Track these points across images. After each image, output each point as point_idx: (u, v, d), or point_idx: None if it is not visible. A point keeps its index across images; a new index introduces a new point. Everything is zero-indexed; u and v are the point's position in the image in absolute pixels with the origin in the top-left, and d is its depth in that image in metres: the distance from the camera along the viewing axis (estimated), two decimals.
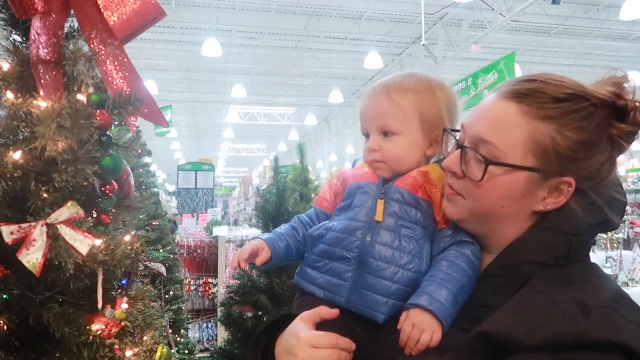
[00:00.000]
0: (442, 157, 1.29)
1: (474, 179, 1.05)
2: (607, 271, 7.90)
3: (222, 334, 5.71)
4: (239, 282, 3.80)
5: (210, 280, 7.59)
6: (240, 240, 5.79)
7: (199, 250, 7.75)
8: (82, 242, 0.87)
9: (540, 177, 1.02)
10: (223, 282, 6.60)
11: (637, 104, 0.99)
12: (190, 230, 8.93)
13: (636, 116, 0.99)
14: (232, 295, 3.84)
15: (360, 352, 1.15)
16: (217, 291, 7.35)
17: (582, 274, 1.00)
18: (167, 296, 4.44)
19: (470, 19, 11.24)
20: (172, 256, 5.14)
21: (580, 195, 1.03)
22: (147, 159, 5.63)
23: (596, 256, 8.64)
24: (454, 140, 1.17)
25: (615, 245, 9.08)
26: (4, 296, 0.95)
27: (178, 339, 4.30)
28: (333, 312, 1.16)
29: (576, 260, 1.02)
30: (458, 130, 1.17)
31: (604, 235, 9.57)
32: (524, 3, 9.46)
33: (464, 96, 9.75)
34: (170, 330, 1.12)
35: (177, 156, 24.58)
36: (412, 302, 1.08)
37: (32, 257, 0.82)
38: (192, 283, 7.59)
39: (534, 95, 1.02)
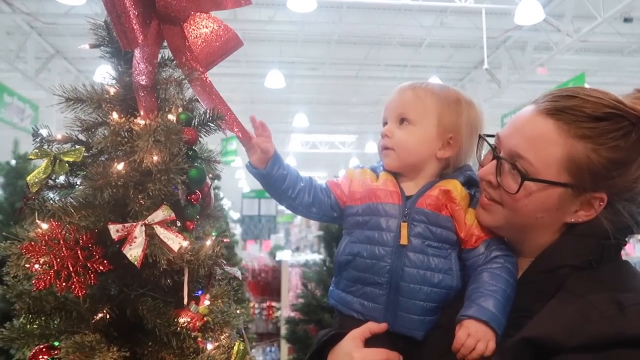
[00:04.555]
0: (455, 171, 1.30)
1: (509, 191, 1.08)
2: None
3: (285, 358, 5.76)
4: (303, 301, 3.89)
5: (273, 304, 7.71)
6: (303, 263, 5.88)
7: (262, 274, 7.92)
8: (174, 241, 0.99)
9: (574, 193, 1.04)
10: (286, 307, 6.70)
11: None
12: (254, 256, 9.17)
13: None
14: (297, 313, 3.92)
15: None
16: (280, 315, 7.45)
17: (615, 274, 1.02)
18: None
19: (536, 41, 10.93)
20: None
21: (609, 204, 1.04)
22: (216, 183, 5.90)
23: None
24: (488, 147, 1.18)
25: None
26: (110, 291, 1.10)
27: None
28: (382, 327, 1.21)
29: (608, 261, 1.04)
30: (492, 136, 1.19)
31: None
32: (592, 22, 9.11)
33: None
34: (244, 331, 1.18)
35: (240, 184, 25.32)
36: (465, 314, 1.10)
37: (134, 252, 0.95)
38: (256, 307, 7.74)
39: (572, 113, 1.03)
